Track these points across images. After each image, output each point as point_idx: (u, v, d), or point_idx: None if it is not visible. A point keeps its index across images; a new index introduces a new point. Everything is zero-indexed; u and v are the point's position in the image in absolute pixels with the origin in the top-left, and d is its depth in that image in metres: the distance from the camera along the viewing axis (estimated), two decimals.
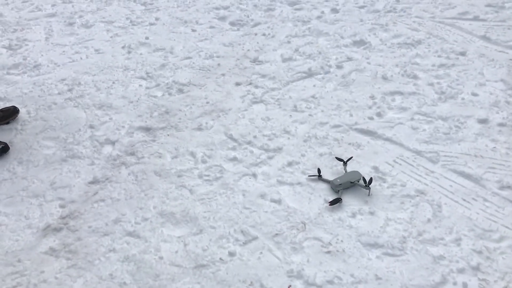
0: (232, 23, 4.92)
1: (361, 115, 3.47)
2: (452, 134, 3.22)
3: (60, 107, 3.72)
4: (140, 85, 3.96)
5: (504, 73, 3.80)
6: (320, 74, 4.02)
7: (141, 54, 4.43)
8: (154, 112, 3.63)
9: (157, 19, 5.04)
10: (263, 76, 4.03)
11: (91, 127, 3.48)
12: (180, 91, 3.87)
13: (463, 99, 3.55)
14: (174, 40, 4.64)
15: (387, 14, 4.83)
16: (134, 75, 4.10)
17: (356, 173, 2.88)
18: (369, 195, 2.80)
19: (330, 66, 4.09)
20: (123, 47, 4.53)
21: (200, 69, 4.17)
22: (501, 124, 3.27)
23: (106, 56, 4.40)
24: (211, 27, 4.86)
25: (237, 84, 3.94)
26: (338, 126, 3.39)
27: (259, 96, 3.77)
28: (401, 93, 3.67)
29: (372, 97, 3.66)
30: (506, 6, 4.73)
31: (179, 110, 3.64)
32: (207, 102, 3.72)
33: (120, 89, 3.92)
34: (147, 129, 3.45)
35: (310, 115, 3.53)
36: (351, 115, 3.49)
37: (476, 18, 4.60)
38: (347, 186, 2.84)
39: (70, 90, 3.92)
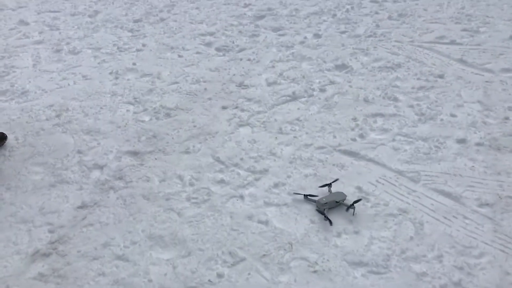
0: (218, 49, 5.03)
1: (345, 137, 3.57)
2: (432, 154, 3.33)
3: (48, 132, 3.76)
4: (128, 110, 4.03)
5: (480, 94, 3.95)
6: (304, 97, 4.12)
7: (128, 79, 4.50)
8: (141, 136, 3.68)
9: (144, 45, 5.14)
10: (249, 100, 4.12)
11: (79, 152, 3.52)
12: (168, 115, 3.94)
13: (442, 120, 3.68)
14: (161, 65, 4.74)
15: (368, 39, 5.00)
16: (122, 100, 4.17)
17: (341, 193, 2.96)
18: (353, 214, 2.88)
19: (313, 90, 4.21)
20: (110, 73, 4.60)
21: (187, 94, 4.25)
22: (478, 144, 3.39)
23: (94, 82, 4.47)
24: (198, 52, 4.97)
25: (224, 107, 4.03)
26: (323, 147, 3.48)
27: (245, 119, 3.86)
28: (382, 115, 3.79)
29: (355, 119, 3.76)
30: (480, 30, 4.92)
31: (166, 134, 3.70)
32: (194, 126, 3.80)
33: (108, 114, 3.97)
34: (135, 153, 3.50)
35: (295, 137, 3.62)
36: (334, 137, 3.58)
37: (453, 42, 4.78)
38: (332, 205, 2.91)
39: (58, 116, 3.96)
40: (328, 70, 4.52)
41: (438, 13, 5.42)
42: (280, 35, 5.28)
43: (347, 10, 5.71)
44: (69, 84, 4.44)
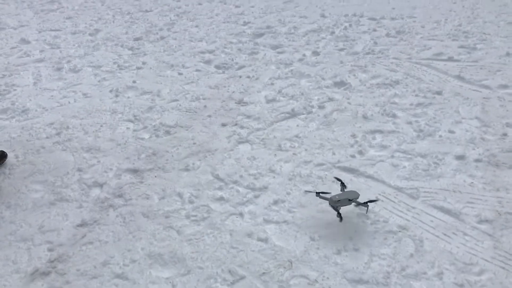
0: (217, 66, 5.08)
1: (344, 153, 3.59)
2: (431, 170, 3.34)
3: (48, 150, 3.77)
4: (128, 128, 4.05)
5: (478, 110, 3.97)
6: (303, 114, 4.15)
7: (128, 97, 4.53)
8: (141, 154, 3.70)
9: (144, 63, 5.19)
10: (248, 117, 4.14)
11: (79, 170, 3.53)
12: (167, 133, 3.96)
13: (440, 136, 3.69)
14: (161, 83, 4.77)
15: (366, 56, 5.04)
16: (122, 118, 4.19)
17: (354, 192, 2.95)
18: (366, 213, 2.89)
19: (312, 107, 4.24)
20: (110, 91, 4.63)
21: (186, 111, 4.27)
22: (477, 160, 3.40)
23: (94, 100, 4.50)
24: (197, 70, 5.02)
25: (223, 125, 4.05)
26: (322, 164, 3.49)
27: (245, 136, 3.87)
28: (381, 132, 3.81)
29: (354, 136, 3.78)
30: (477, 47, 4.97)
31: (166, 152, 3.71)
32: (194, 143, 3.81)
33: (107, 132, 3.99)
34: (134, 171, 3.51)
35: (294, 154, 3.63)
36: (334, 154, 3.60)
37: (450, 59, 4.82)
38: (345, 203, 2.90)
39: (58, 134, 3.98)
40: (327, 87, 4.55)
41: (436, 30, 5.48)
42: (279, 52, 5.34)
43: (345, 28, 5.77)
44: (69, 102, 4.47)
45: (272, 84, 4.68)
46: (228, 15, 6.46)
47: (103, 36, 5.93)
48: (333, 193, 2.99)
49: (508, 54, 4.77)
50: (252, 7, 6.72)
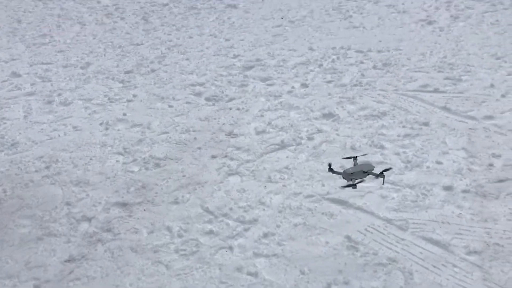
0: (207, 99, 5.13)
1: (333, 185, 3.60)
2: (419, 201, 3.36)
3: (37, 184, 3.76)
4: (117, 161, 4.05)
5: (465, 141, 4.03)
6: (293, 145, 4.18)
7: (118, 130, 4.55)
8: (131, 187, 3.69)
9: (134, 96, 5.23)
10: (238, 148, 4.17)
11: (68, 204, 3.51)
12: (157, 165, 3.96)
13: (428, 167, 3.73)
14: (151, 116, 4.80)
15: (354, 88, 5.13)
16: (112, 151, 4.19)
17: (368, 164, 2.95)
18: (383, 184, 2.89)
19: (301, 138, 4.27)
20: (101, 124, 4.65)
21: (176, 143, 4.29)
22: (465, 191, 3.43)
23: (84, 133, 4.51)
24: (187, 102, 5.06)
25: (213, 157, 4.06)
26: (311, 196, 3.50)
27: (234, 168, 3.89)
28: None
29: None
30: (462, 79, 5.08)
31: (155, 185, 3.71)
32: (184, 176, 3.82)
33: (97, 165, 3.99)
34: (123, 205, 3.50)
35: (284, 185, 3.64)
36: (323, 185, 3.61)
37: (436, 90, 4.91)
38: (360, 176, 2.89)
39: (47, 167, 3.97)
40: (316, 118, 4.61)
41: (421, 62, 5.60)
42: (268, 84, 5.41)
43: (333, 60, 5.88)
44: (59, 135, 4.47)
45: (261, 116, 4.72)
46: (218, 48, 6.56)
47: (94, 69, 5.98)
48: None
49: (492, 85, 4.88)
50: (242, 40, 6.84)
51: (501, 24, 6.52)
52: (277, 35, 6.96)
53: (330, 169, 3.01)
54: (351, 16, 7.37)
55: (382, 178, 2.91)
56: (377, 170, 3.07)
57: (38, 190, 3.68)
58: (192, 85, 5.46)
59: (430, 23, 6.75)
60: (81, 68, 6.05)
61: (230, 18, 7.96)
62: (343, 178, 2.96)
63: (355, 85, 5.20)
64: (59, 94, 5.31)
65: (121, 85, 5.53)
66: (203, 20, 7.91)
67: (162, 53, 6.48)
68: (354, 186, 2.88)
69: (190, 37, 7.10)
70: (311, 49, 6.32)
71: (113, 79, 5.68)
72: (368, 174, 2.94)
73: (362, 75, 5.42)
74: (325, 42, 6.47)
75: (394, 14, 7.29)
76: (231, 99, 5.10)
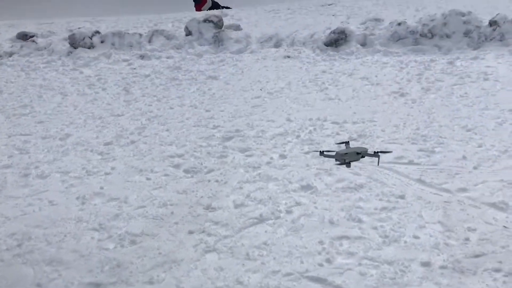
0: (186, 171, 5.14)
1: (312, 262, 3.57)
2: (397, 279, 3.34)
3: (7, 264, 3.63)
4: (92, 238, 3.96)
5: (440, 215, 4.08)
6: (271, 219, 4.17)
7: (95, 204, 4.49)
8: (105, 266, 3.59)
9: (113, 168, 5.21)
10: (216, 223, 4.14)
11: (39, 285, 3.38)
12: (133, 242, 3.89)
13: (405, 242, 3.74)
14: (129, 189, 4.77)
15: (331, 159, 5.21)
16: (87, 227, 4.12)
17: (361, 147, 2.89)
18: (378, 164, 2.83)
19: (280, 211, 4.28)
20: (77, 198, 4.59)
21: (153, 218, 4.24)
22: (442, 267, 3.43)
23: (60, 208, 4.44)
24: (166, 175, 5.06)
25: (190, 232, 4.01)
26: (290, 274, 3.45)
27: (212, 244, 3.84)
28: (348, 238, 3.84)
29: (321, 243, 3.79)
30: (436, 151, 5.23)
31: (130, 263, 3.62)
32: (160, 253, 3.74)
33: (71, 242, 3.90)
34: (97, 285, 3.39)
35: (262, 263, 3.59)
36: (302, 262, 3.58)
37: (411, 162, 5.03)
38: (353, 157, 2.82)
39: (19, 245, 3.86)
40: (294, 190, 4.64)
41: (395, 133, 5.77)
42: (247, 155, 5.47)
43: (310, 131, 6.01)
44: (34, 211, 4.39)
45: (240, 188, 4.74)
46: (198, 119, 6.68)
47: (73, 141, 5.99)
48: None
49: (464, 157, 5.02)
50: (222, 111, 6.99)
51: (470, 96, 6.83)
52: (256, 106, 7.14)
53: (322, 153, 3.00)
54: (327, 88, 7.64)
55: (377, 158, 2.90)
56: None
57: (7, 271, 3.55)
58: (171, 156, 5.49)
59: (402, 95, 7.03)
60: (60, 139, 6.05)
61: (211, 89, 8.18)
62: (336, 160, 2.94)
63: None
64: (36, 167, 5.27)
65: (99, 157, 5.52)
66: (184, 91, 8.11)
67: (142, 124, 6.55)
68: (348, 164, 2.85)
69: (171, 108, 7.23)
70: (289, 120, 6.48)
71: (92, 151, 5.68)
72: (363, 156, 2.93)
73: (339, 146, 5.53)
74: (302, 113, 6.65)
75: (368, 86, 7.59)
76: (210, 171, 5.12)
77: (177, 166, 5.25)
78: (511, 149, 5.15)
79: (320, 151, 3.09)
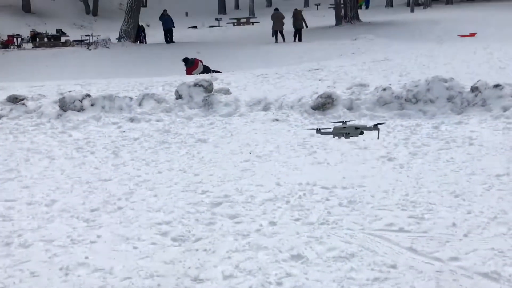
0: (173, 239, 5.04)
1: None
2: None
3: None
4: None
5: (433, 285, 4.01)
6: None
7: (78, 276, 4.34)
8: None
9: (98, 236, 5.09)
10: None
11: None
12: None
13: None
14: (115, 259, 4.64)
15: (321, 227, 5.16)
16: None
17: (359, 124, 2.78)
18: (377, 138, 2.71)
19: (270, 283, 4.17)
20: (60, 269, 4.44)
21: None
22: None
23: (42, 279, 4.28)
24: (153, 243, 4.95)
25: None
26: None
27: None
28: None
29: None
30: (425, 217, 5.22)
31: None
32: None
33: None
34: None
35: None
36: None
37: (401, 230, 4.99)
38: (352, 131, 2.70)
39: None
40: (284, 260, 4.54)
41: (385, 199, 5.76)
42: (236, 222, 5.39)
43: (300, 197, 5.99)
44: (14, 283, 4.22)
45: (229, 258, 4.63)
46: (187, 184, 6.63)
47: (59, 207, 5.88)
48: None
49: (454, 224, 5.01)
50: (211, 175, 6.97)
51: (456, 161, 6.92)
52: (245, 170, 7.15)
53: (318, 131, 2.93)
54: (315, 152, 7.69)
55: (377, 131, 2.84)
56: None
57: None
58: (159, 223, 5.39)
59: (390, 159, 7.09)
60: (46, 205, 5.94)
61: (200, 152, 8.20)
62: (333, 136, 2.88)
63: (322, 223, 5.25)
64: (19, 235, 5.13)
65: (85, 224, 5.40)
66: (173, 155, 8.11)
67: (130, 189, 6.48)
68: (346, 135, 2.79)
69: (159, 172, 7.20)
70: (278, 184, 6.47)
71: (77, 218, 5.56)
72: (361, 133, 2.86)
73: (329, 212, 5.50)
74: (291, 178, 6.65)
75: (356, 150, 7.66)
76: (198, 239, 5.02)
77: (164, 234, 5.15)
78: (500, 215, 5.16)
79: (317, 129, 3.09)
